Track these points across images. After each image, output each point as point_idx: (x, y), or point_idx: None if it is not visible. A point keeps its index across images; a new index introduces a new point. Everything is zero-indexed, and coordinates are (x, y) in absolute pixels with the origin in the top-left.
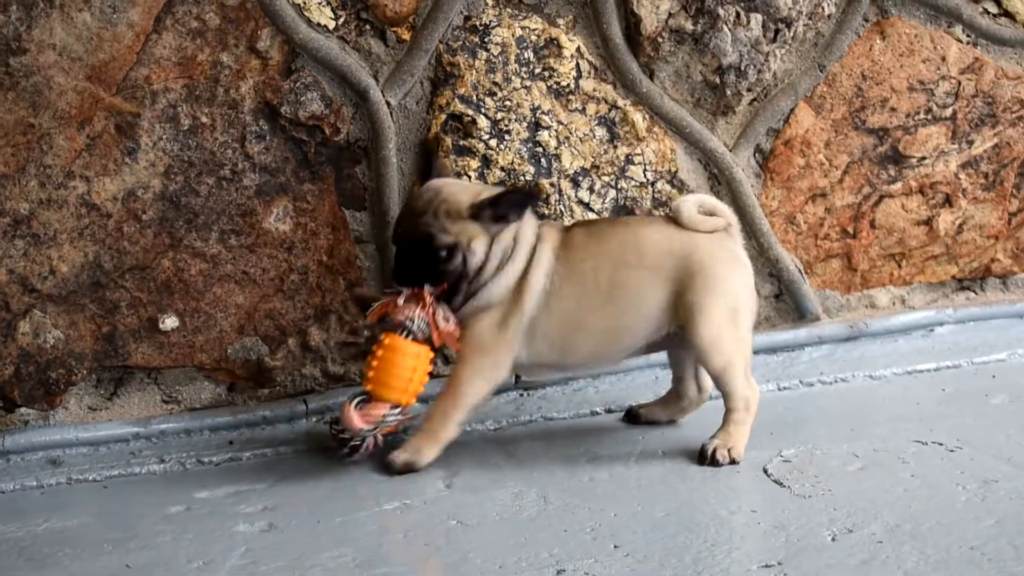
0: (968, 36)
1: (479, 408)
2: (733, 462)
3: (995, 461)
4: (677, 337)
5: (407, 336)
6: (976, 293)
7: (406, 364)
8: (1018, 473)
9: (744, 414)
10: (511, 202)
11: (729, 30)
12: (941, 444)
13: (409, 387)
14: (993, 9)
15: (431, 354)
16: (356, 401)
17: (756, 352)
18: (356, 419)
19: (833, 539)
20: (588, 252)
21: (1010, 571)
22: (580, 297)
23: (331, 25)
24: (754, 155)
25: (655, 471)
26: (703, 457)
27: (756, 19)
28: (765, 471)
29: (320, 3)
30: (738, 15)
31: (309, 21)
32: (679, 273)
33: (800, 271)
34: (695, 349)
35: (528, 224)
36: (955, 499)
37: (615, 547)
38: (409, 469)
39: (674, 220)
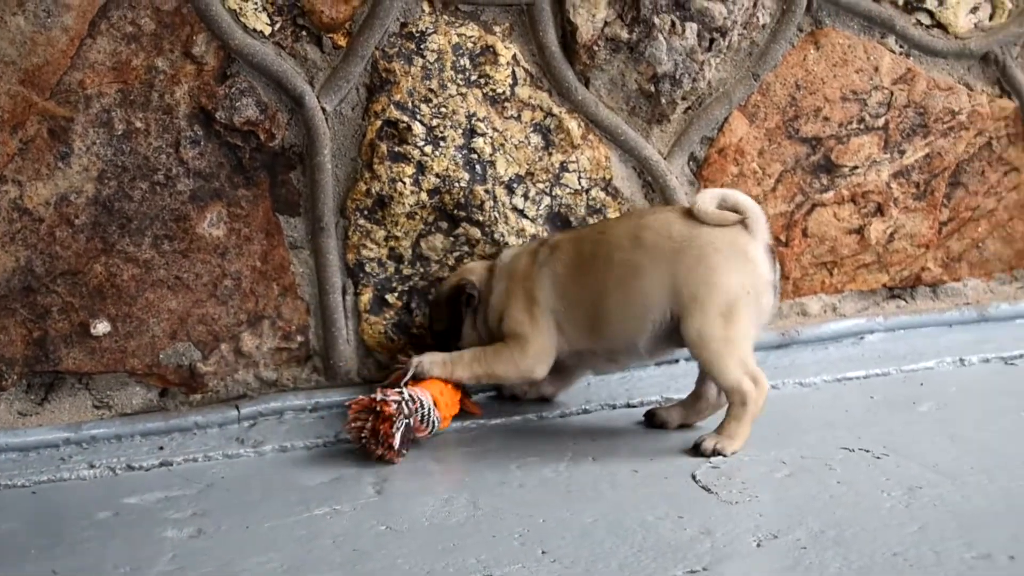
0: (901, 47)
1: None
2: (717, 455)
3: (920, 468)
4: None
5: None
6: (906, 301)
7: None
8: (942, 480)
9: (740, 409)
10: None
11: (664, 39)
12: (868, 451)
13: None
14: (926, 20)
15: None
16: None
17: (688, 360)
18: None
19: (758, 545)
20: (594, 241)
21: None
22: (588, 283)
23: (267, 31)
24: (688, 163)
25: (585, 477)
26: (693, 446)
27: (691, 28)
28: (693, 477)
29: (256, 9)
30: (673, 24)
31: (245, 27)
32: (677, 261)
33: None
34: (685, 340)
35: (519, 248)
36: (880, 506)
37: (543, 553)
38: (418, 378)
39: (689, 211)
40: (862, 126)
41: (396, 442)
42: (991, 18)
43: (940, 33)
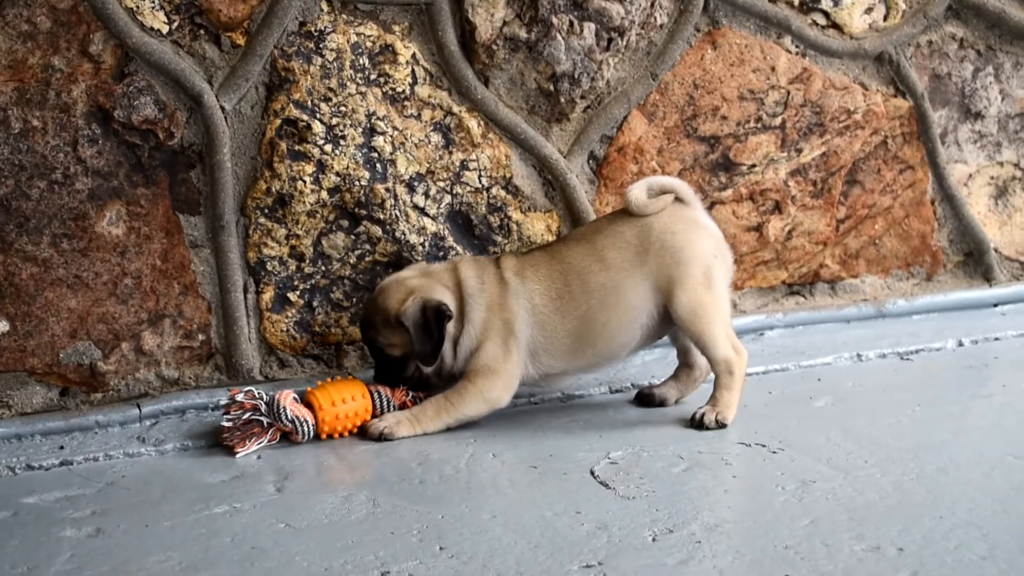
0: (797, 47)
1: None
2: (721, 426)
3: (814, 462)
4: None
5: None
6: (805, 298)
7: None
8: (835, 474)
9: (728, 378)
10: (419, 328)
11: (563, 38)
12: (764, 446)
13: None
14: (822, 21)
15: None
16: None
17: None
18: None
19: (653, 539)
20: (561, 271)
21: (821, 570)
22: (565, 311)
23: (164, 30)
24: (588, 161)
25: (485, 474)
26: (692, 421)
27: (589, 28)
28: (592, 473)
29: (154, 7)
30: (572, 24)
31: (142, 25)
32: (645, 262)
33: None
34: (677, 320)
35: (471, 267)
36: (773, 499)
37: (440, 549)
38: (384, 439)
39: (628, 213)
40: (759, 125)
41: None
42: (885, 19)
43: (836, 33)
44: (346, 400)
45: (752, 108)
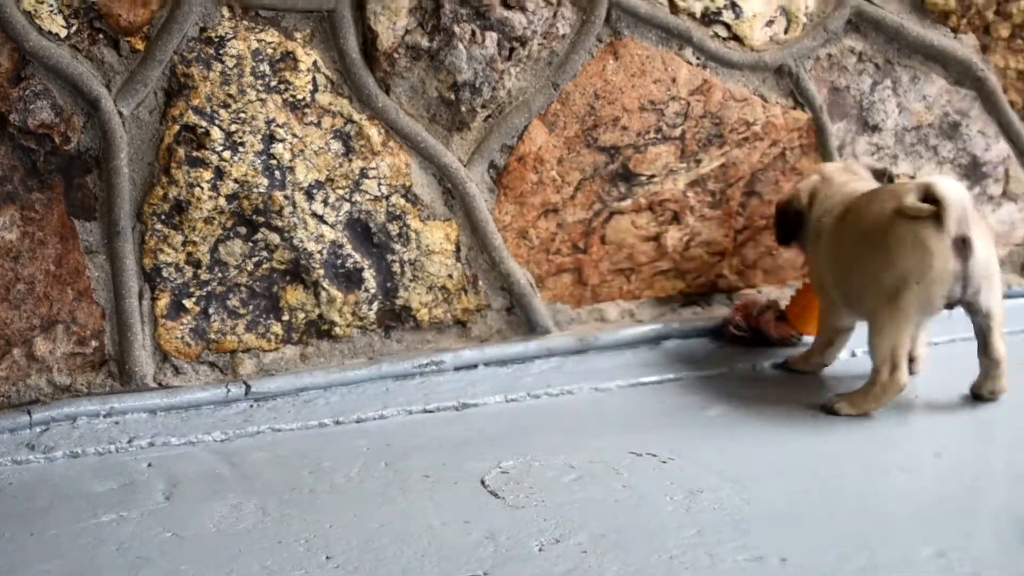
0: (698, 58)
1: None
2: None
3: (704, 472)
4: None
5: None
6: (703, 307)
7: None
8: (723, 484)
9: (872, 388)
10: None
11: (464, 48)
12: (655, 455)
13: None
14: (723, 33)
15: None
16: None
17: (488, 365)
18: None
19: (540, 549)
20: (847, 216)
21: None
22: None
23: (63, 34)
24: (488, 170)
25: (377, 482)
26: (824, 407)
27: (491, 37)
28: (482, 482)
29: (52, 12)
30: (473, 33)
31: (40, 29)
32: (876, 247)
33: (531, 285)
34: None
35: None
36: (661, 509)
37: (327, 558)
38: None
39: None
40: (659, 135)
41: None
42: (786, 32)
43: (736, 45)
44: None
45: (652, 119)
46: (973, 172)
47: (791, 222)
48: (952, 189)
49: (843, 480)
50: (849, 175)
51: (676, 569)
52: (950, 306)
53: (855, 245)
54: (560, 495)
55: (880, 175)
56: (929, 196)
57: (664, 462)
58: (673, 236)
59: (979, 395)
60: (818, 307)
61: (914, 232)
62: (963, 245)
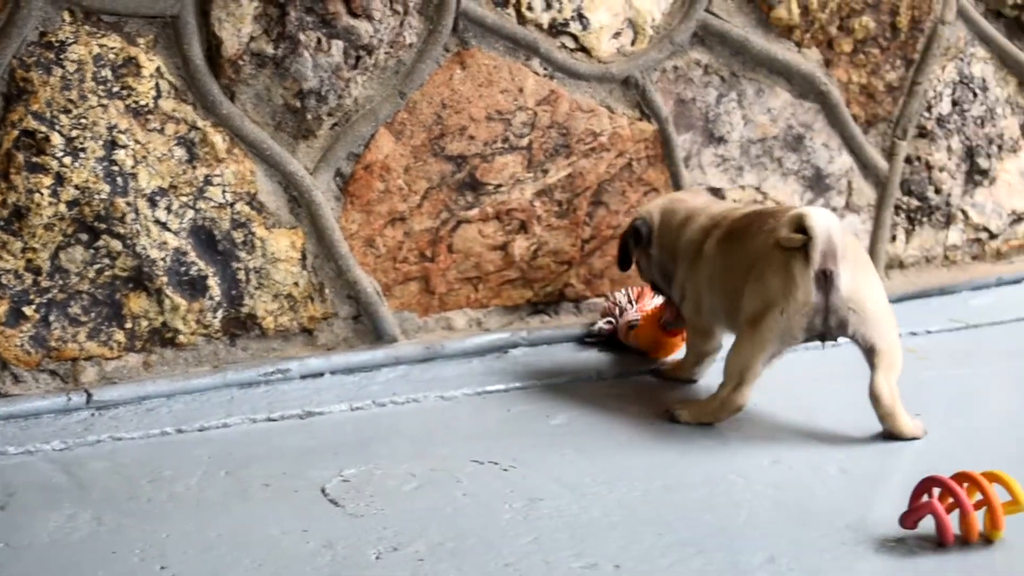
0: (545, 69)
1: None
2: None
3: (544, 480)
4: None
5: None
6: (550, 316)
7: None
8: (563, 492)
9: (713, 401)
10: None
11: (310, 55)
12: (497, 463)
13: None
14: (571, 44)
15: None
16: None
17: (334, 373)
18: None
19: (377, 557)
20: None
21: None
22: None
23: None
24: (335, 179)
25: (216, 491)
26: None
27: (337, 46)
28: (323, 491)
29: None
30: (319, 41)
31: None
32: (752, 269)
33: (378, 293)
34: None
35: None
36: (500, 517)
37: (161, 568)
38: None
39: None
40: (507, 145)
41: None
42: (633, 43)
43: (584, 57)
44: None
45: (500, 129)
46: (817, 184)
47: (630, 248)
48: (820, 220)
49: (682, 487)
50: (705, 197)
51: None
52: (820, 338)
53: (734, 271)
54: (400, 503)
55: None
56: (800, 227)
57: (505, 470)
58: (520, 245)
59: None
60: (668, 334)
61: (783, 262)
62: (825, 278)
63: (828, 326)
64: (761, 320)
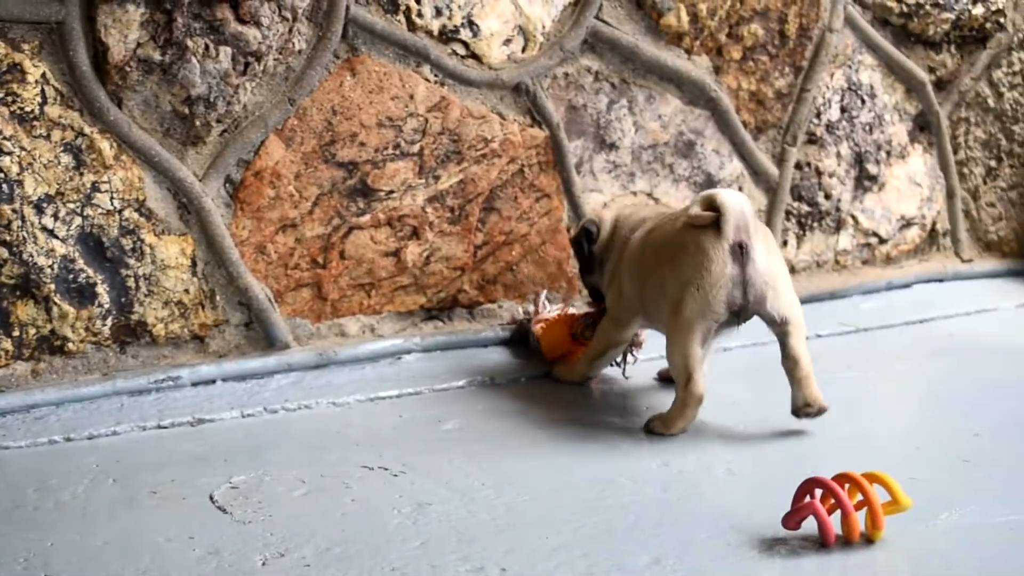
0: (436, 76)
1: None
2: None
3: (434, 485)
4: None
5: None
6: (444, 322)
7: None
8: (452, 496)
9: (675, 404)
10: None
11: (198, 62)
12: (387, 469)
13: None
14: (461, 51)
15: None
16: None
17: (226, 380)
18: None
19: (264, 563)
20: (643, 237)
21: None
22: (641, 274)
23: None
24: (225, 185)
25: (103, 499)
26: (645, 428)
27: (226, 52)
28: (211, 498)
29: None
30: (207, 47)
31: None
32: (663, 259)
33: (270, 300)
34: None
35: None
36: (388, 522)
37: None
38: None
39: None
40: (398, 151)
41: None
42: (524, 50)
43: (474, 63)
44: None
45: (391, 135)
46: (708, 190)
47: (584, 249)
48: (731, 197)
49: (570, 490)
50: (656, 207)
51: None
52: (737, 315)
53: (652, 258)
54: (288, 509)
55: None
56: (711, 205)
57: (395, 475)
58: (413, 251)
59: (797, 413)
60: (576, 342)
61: (695, 239)
62: (740, 251)
63: (747, 299)
64: (681, 303)
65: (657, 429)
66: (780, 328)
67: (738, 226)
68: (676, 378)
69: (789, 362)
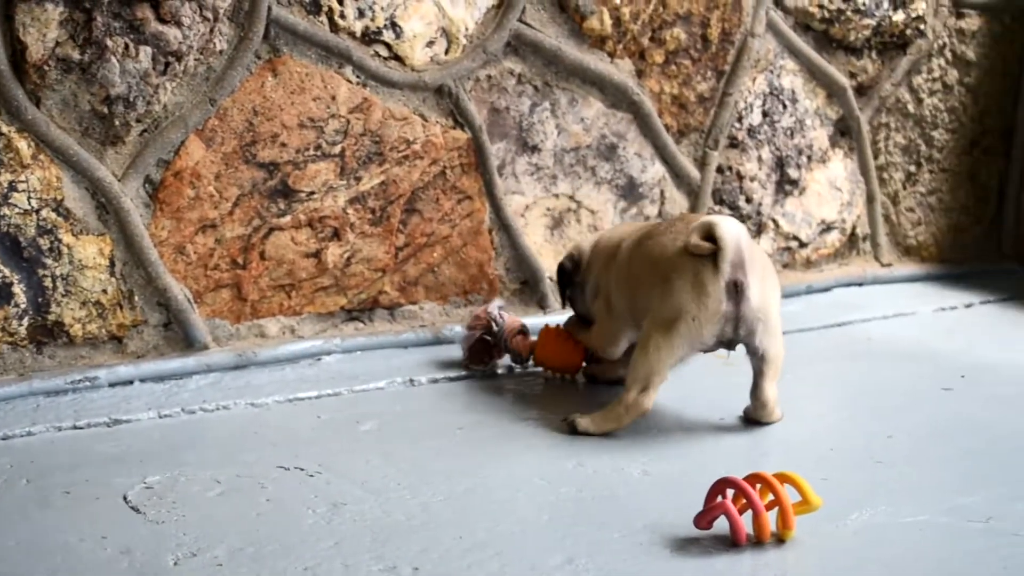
0: (358, 77)
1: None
2: (586, 433)
3: (349, 485)
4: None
5: None
6: (364, 323)
7: None
8: (367, 496)
9: (616, 408)
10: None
11: (118, 61)
12: (303, 469)
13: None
14: (384, 52)
15: None
16: None
17: (144, 381)
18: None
19: (176, 563)
20: (632, 252)
21: None
22: (629, 289)
23: None
24: (144, 185)
25: (13, 500)
26: (567, 421)
27: (146, 52)
28: (125, 498)
29: None
30: (127, 47)
31: None
32: (657, 276)
33: (189, 300)
34: None
35: (612, 230)
36: (302, 522)
37: None
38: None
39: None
40: (319, 152)
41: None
42: (447, 52)
43: (397, 65)
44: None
45: (312, 136)
46: (630, 193)
47: (567, 277)
48: (729, 230)
49: (485, 490)
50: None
51: None
52: (727, 345)
53: (645, 269)
54: (203, 509)
55: None
56: (708, 235)
57: (311, 476)
58: (334, 252)
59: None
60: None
61: (694, 270)
62: (735, 289)
63: (737, 334)
64: (673, 326)
65: (583, 427)
66: (759, 363)
67: (734, 263)
68: (630, 383)
69: (756, 399)
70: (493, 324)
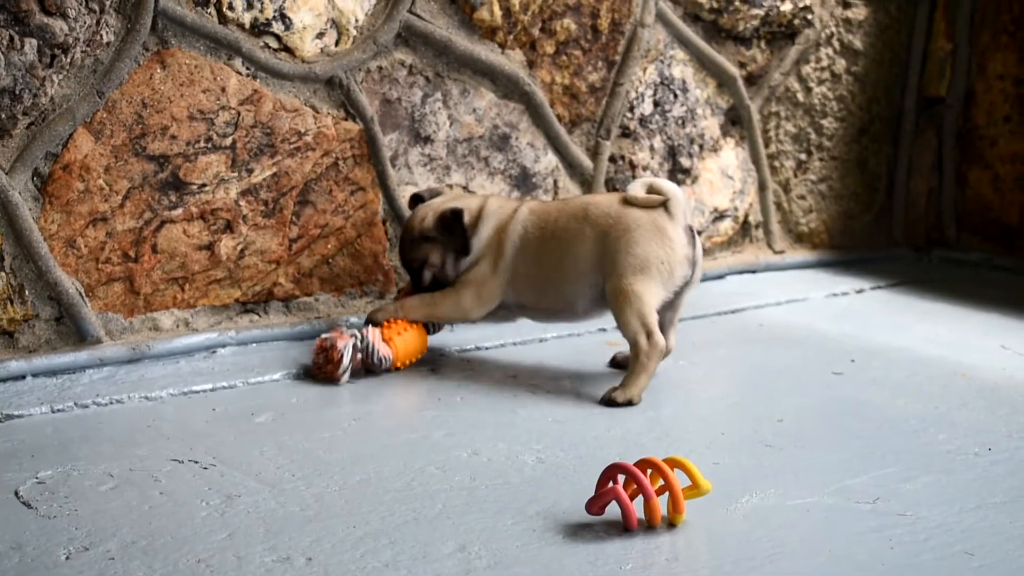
0: (248, 69)
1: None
2: (629, 403)
3: (244, 477)
4: None
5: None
6: (260, 316)
7: None
8: (261, 488)
9: (635, 362)
10: (439, 227)
11: (2, 53)
12: (197, 462)
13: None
14: (274, 44)
15: None
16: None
17: (36, 376)
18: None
19: (67, 557)
20: (556, 209)
21: None
22: (544, 248)
23: None
24: (32, 179)
25: None
26: (604, 400)
27: (31, 44)
28: (16, 493)
29: None
30: (12, 39)
31: None
32: (607, 233)
33: (81, 294)
34: (607, 297)
35: (499, 199)
36: (195, 515)
37: None
38: (371, 322)
39: (625, 197)
40: (210, 145)
41: (343, 363)
42: (337, 44)
43: (287, 57)
44: (401, 333)
45: (202, 128)
46: (524, 183)
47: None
48: (674, 185)
49: (380, 480)
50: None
51: (202, 572)
52: (683, 288)
53: (586, 228)
54: (95, 504)
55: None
56: (652, 191)
57: (205, 468)
58: (227, 245)
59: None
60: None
61: (651, 220)
62: (691, 233)
63: (692, 277)
64: (645, 271)
65: (623, 398)
66: (672, 315)
67: (684, 211)
68: (635, 336)
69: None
70: (355, 338)
